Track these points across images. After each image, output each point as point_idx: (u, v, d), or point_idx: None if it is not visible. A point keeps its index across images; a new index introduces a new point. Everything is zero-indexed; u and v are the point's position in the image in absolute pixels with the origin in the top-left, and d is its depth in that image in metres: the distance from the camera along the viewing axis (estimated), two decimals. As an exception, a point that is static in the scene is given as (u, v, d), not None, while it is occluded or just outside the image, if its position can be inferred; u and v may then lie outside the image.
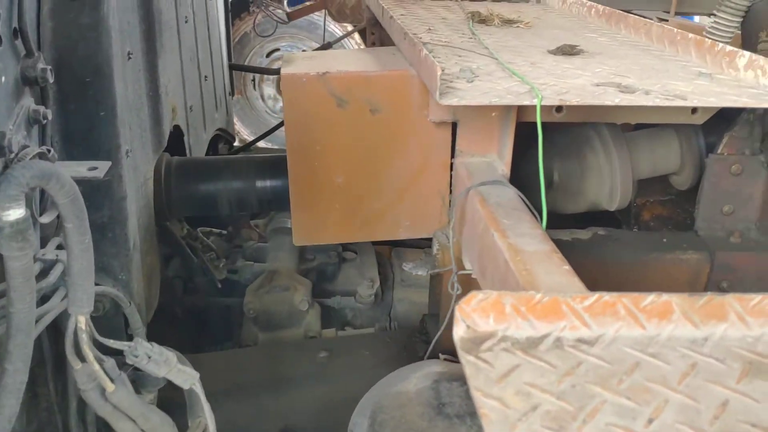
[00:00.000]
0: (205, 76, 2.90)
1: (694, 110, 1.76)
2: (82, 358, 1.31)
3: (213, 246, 2.60)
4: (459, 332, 0.95)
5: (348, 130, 1.90)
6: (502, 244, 1.36)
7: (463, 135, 1.85)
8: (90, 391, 1.34)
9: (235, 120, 4.29)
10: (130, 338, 1.66)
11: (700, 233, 1.96)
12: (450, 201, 1.95)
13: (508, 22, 2.40)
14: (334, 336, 2.40)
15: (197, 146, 2.73)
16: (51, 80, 1.36)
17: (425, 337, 2.09)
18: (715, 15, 2.34)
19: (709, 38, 1.90)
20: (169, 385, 1.47)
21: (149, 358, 1.37)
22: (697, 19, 4.15)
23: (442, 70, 1.43)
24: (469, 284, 1.68)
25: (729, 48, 1.73)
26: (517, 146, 1.81)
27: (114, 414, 1.37)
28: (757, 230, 1.93)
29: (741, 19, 2.28)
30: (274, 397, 1.96)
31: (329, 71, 1.85)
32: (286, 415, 1.90)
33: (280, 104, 6.36)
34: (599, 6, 2.52)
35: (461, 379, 1.51)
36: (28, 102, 1.33)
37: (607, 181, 2.01)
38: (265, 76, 6.35)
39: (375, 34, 3.32)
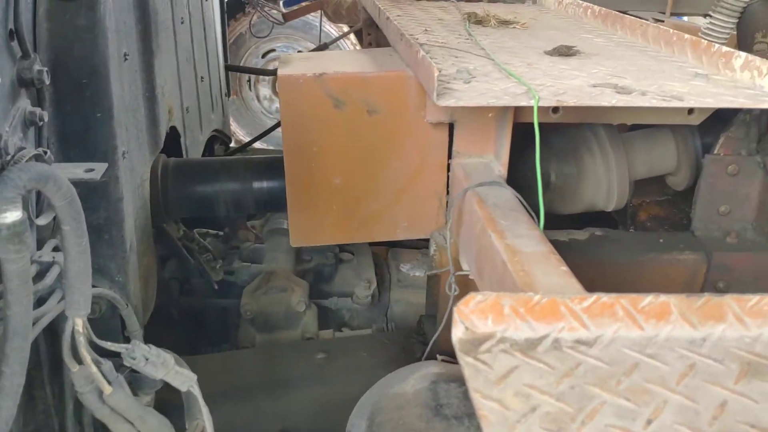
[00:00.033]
0: (202, 77, 2.89)
1: (690, 111, 1.76)
2: (79, 361, 1.31)
3: (209, 247, 2.60)
4: (458, 334, 0.95)
5: (345, 131, 1.90)
6: (499, 245, 1.36)
7: (460, 136, 1.85)
8: (87, 394, 1.34)
9: (231, 121, 4.28)
10: (127, 340, 1.66)
11: (696, 233, 1.96)
12: (447, 202, 1.95)
13: (505, 23, 2.40)
14: (331, 337, 2.40)
15: (194, 147, 2.73)
16: (47, 82, 1.36)
17: (423, 338, 2.09)
18: (710, 16, 2.35)
19: (705, 39, 1.91)
20: (166, 387, 1.47)
21: (147, 360, 1.37)
22: (685, 18, 4.16)
23: (440, 71, 1.43)
24: (466, 285, 1.68)
25: (725, 49, 1.73)
26: (513, 147, 1.81)
27: (111, 416, 1.36)
28: (753, 230, 1.93)
29: (737, 20, 2.29)
30: (271, 398, 1.96)
31: (326, 72, 1.84)
32: (284, 417, 1.90)
33: (276, 105, 6.36)
34: (595, 7, 2.52)
35: (459, 380, 1.51)
36: (25, 104, 1.33)
37: (603, 181, 2.01)
38: (261, 76, 6.35)
39: (371, 34, 3.32)
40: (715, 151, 1.91)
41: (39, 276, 1.27)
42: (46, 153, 1.25)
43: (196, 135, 2.81)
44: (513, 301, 0.97)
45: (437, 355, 1.83)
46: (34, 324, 1.21)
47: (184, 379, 1.41)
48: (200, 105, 2.85)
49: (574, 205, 2.08)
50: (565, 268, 1.28)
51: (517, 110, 1.75)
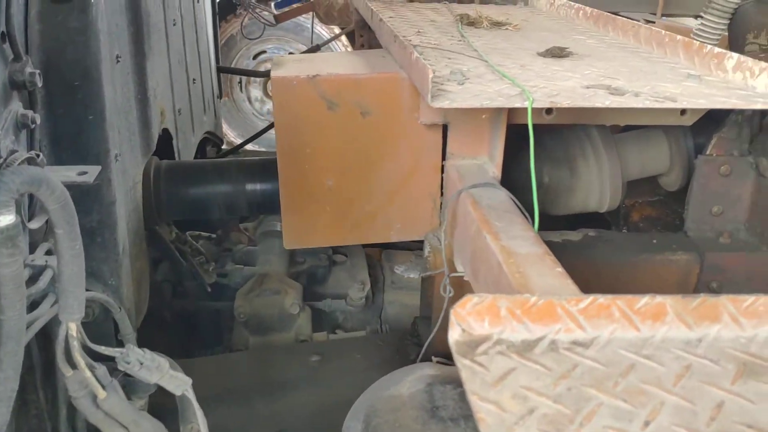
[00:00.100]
0: (194, 79, 2.88)
1: (683, 112, 1.77)
2: (73, 365, 1.30)
3: (202, 250, 2.59)
4: (454, 336, 0.95)
5: (338, 133, 1.89)
6: (494, 246, 1.36)
7: (454, 137, 1.85)
8: (81, 399, 1.33)
9: (222, 122, 4.27)
10: (120, 344, 1.65)
11: (689, 234, 1.97)
12: (441, 203, 1.95)
13: (497, 24, 2.41)
14: (325, 339, 2.39)
15: (186, 149, 2.72)
16: (39, 84, 1.35)
17: (417, 340, 2.08)
18: (702, 17, 2.36)
19: (697, 40, 1.92)
20: (160, 390, 1.46)
21: (141, 364, 1.36)
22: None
23: (434, 73, 1.43)
24: (460, 287, 1.68)
25: (717, 50, 1.74)
26: (507, 148, 1.81)
27: (105, 421, 1.35)
28: (746, 231, 1.94)
29: (728, 21, 2.30)
30: (266, 401, 1.95)
31: (319, 74, 1.84)
32: (279, 420, 1.89)
33: (267, 106, 6.35)
34: (587, 8, 2.53)
35: (455, 382, 1.51)
36: (16, 106, 1.32)
37: (597, 183, 2.02)
38: (252, 78, 6.34)
39: (363, 36, 3.32)
40: (708, 152, 1.92)
41: (32, 280, 1.26)
42: (38, 156, 1.24)
43: (189, 137, 2.80)
44: (509, 303, 0.96)
45: (432, 357, 1.83)
46: (27, 328, 1.20)
47: (178, 383, 1.40)
48: (192, 107, 2.84)
49: (567, 206, 2.08)
50: (560, 269, 1.28)
51: (511, 112, 1.75)
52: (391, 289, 2.64)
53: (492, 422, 0.82)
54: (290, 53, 5.90)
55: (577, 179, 2.03)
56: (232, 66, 6.06)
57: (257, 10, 5.33)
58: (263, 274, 2.49)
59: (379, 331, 2.54)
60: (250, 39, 5.95)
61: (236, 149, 4.01)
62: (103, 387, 1.33)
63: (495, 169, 1.81)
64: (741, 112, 1.89)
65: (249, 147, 4.25)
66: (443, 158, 1.90)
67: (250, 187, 2.23)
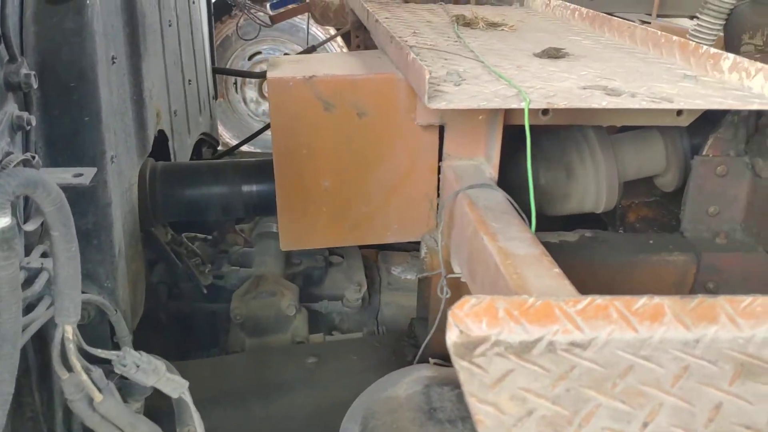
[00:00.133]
0: (189, 80, 2.88)
1: (679, 112, 1.77)
2: (69, 368, 1.29)
3: (198, 251, 2.58)
4: (452, 337, 0.95)
5: (335, 134, 1.89)
6: (492, 247, 1.36)
7: (451, 138, 1.85)
8: (77, 402, 1.32)
9: (218, 123, 4.27)
10: (116, 346, 1.64)
11: (686, 234, 1.97)
12: (438, 204, 1.95)
13: (493, 25, 2.41)
14: (321, 341, 2.39)
15: (182, 151, 2.71)
16: (35, 86, 1.34)
17: (414, 341, 2.08)
18: (697, 17, 2.36)
19: (693, 41, 1.92)
20: (157, 393, 1.46)
21: (138, 367, 1.36)
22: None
23: (430, 74, 1.43)
24: (457, 288, 1.68)
25: (713, 50, 1.74)
26: (503, 149, 1.81)
27: (102, 424, 1.35)
28: (742, 231, 1.95)
29: (724, 22, 2.30)
30: (262, 403, 1.95)
31: (316, 75, 1.84)
32: (276, 422, 1.89)
33: (263, 107, 6.34)
34: (583, 9, 2.53)
35: (452, 384, 1.51)
36: (12, 108, 1.31)
37: (593, 183, 2.02)
38: (247, 79, 6.33)
39: (359, 37, 3.32)
40: (704, 153, 1.92)
41: (27, 282, 1.25)
42: (34, 158, 1.24)
43: (184, 138, 2.80)
44: (507, 304, 0.96)
45: (429, 359, 1.83)
46: (23, 331, 1.19)
47: (175, 385, 1.39)
48: (188, 108, 2.84)
49: (563, 206, 2.08)
50: (557, 270, 1.28)
51: (508, 113, 1.75)
52: (387, 290, 2.63)
53: (490, 424, 0.82)
54: (286, 54, 5.90)
55: (573, 180, 2.03)
56: (228, 67, 6.05)
57: (253, 11, 5.33)
58: (259, 276, 2.48)
59: (375, 332, 2.54)
60: (245, 40, 5.94)
61: (232, 150, 4.00)
62: (100, 390, 1.32)
63: (492, 170, 1.81)
64: (737, 112, 1.90)
65: (244, 148, 4.25)
66: (440, 159, 1.90)
67: (246, 188, 2.23)
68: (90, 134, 1.59)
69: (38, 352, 1.51)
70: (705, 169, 1.93)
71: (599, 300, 0.97)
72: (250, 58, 6.30)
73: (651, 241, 1.99)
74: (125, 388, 1.48)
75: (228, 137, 6.14)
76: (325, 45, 5.17)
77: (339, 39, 5.35)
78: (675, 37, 1.91)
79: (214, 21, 3.92)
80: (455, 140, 1.85)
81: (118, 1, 1.83)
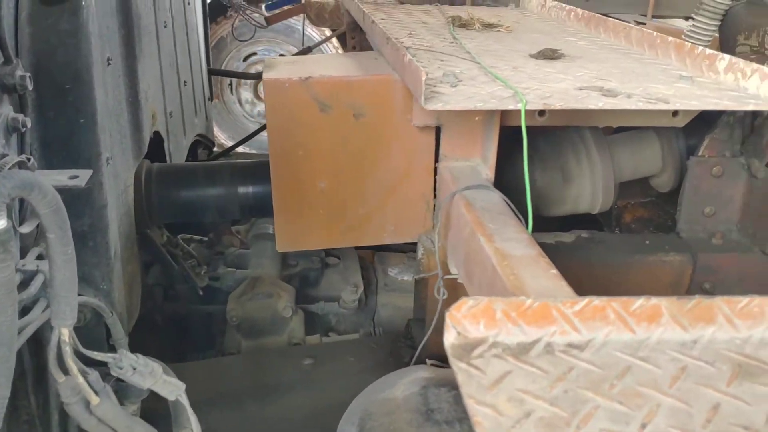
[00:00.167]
0: (185, 82, 2.87)
1: (675, 113, 1.77)
2: (65, 371, 1.29)
3: (194, 253, 2.58)
4: (450, 339, 0.94)
5: (331, 135, 1.89)
6: (489, 248, 1.36)
7: (447, 139, 1.85)
8: (74, 405, 1.32)
9: (213, 125, 4.26)
10: (112, 348, 1.64)
11: (682, 235, 1.98)
12: (434, 205, 1.95)
13: (489, 26, 2.41)
14: (318, 342, 2.38)
15: (177, 152, 2.71)
16: (30, 87, 1.34)
17: (411, 343, 2.08)
18: (693, 18, 2.37)
19: (688, 42, 1.92)
20: (153, 395, 1.45)
21: (134, 369, 1.35)
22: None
23: (427, 75, 1.43)
24: (454, 289, 1.67)
25: (709, 51, 1.74)
26: (499, 150, 1.81)
27: (98, 427, 1.34)
28: (738, 231, 1.95)
29: (719, 23, 2.31)
30: (259, 405, 1.94)
31: (312, 76, 1.84)
32: (272, 424, 1.88)
33: (258, 108, 6.33)
34: (578, 10, 2.53)
35: (449, 385, 1.50)
36: (7, 110, 1.31)
37: (589, 184, 2.02)
38: (242, 80, 6.32)
39: (355, 38, 3.32)
40: (700, 153, 1.93)
41: (23, 285, 1.25)
42: (29, 160, 1.23)
43: (180, 140, 2.79)
44: (505, 306, 0.96)
45: (426, 360, 1.83)
46: (18, 333, 1.19)
47: (172, 388, 1.39)
48: (183, 109, 2.83)
49: (560, 207, 2.09)
50: (554, 271, 1.28)
51: (504, 114, 1.75)
52: (384, 291, 2.63)
53: (489, 426, 0.81)
54: (281, 55, 5.89)
55: (569, 181, 2.03)
56: (223, 68, 6.04)
57: (248, 12, 5.32)
58: (255, 277, 2.48)
59: (372, 333, 2.53)
60: (240, 41, 5.93)
61: (228, 151, 4.00)
62: (96, 393, 1.32)
63: (488, 171, 1.81)
64: (733, 113, 1.90)
65: (240, 149, 4.24)
66: (436, 160, 1.90)
67: (242, 189, 2.22)
68: (85, 136, 1.59)
69: (34, 354, 1.50)
70: (701, 170, 1.93)
71: (596, 301, 0.97)
72: (245, 59, 6.29)
73: (647, 242, 1.99)
74: (121, 390, 1.47)
75: (223, 138, 6.13)
76: (321, 46, 5.17)
77: (334, 40, 5.35)
78: (671, 38, 1.91)
79: (209, 22, 3.92)
80: (452, 141, 1.85)
81: (113, 2, 1.83)
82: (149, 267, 2.53)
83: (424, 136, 1.90)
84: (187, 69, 2.95)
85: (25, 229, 1.24)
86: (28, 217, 1.27)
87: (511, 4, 3.07)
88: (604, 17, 2.34)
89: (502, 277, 1.26)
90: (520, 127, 1.44)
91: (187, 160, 2.97)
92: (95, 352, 1.35)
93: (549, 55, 1.90)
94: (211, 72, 3.66)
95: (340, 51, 5.33)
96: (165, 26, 2.49)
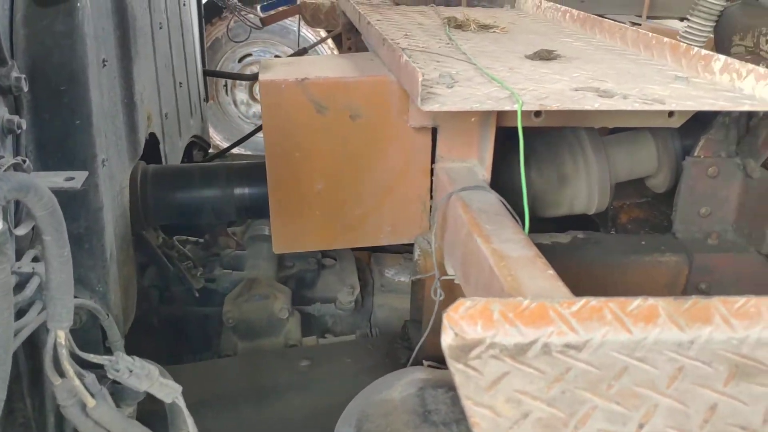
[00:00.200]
0: (180, 83, 2.87)
1: (670, 114, 1.78)
2: (61, 374, 1.28)
3: (190, 254, 2.57)
4: (447, 340, 0.95)
5: (328, 136, 1.89)
6: (486, 249, 1.36)
7: (444, 140, 1.85)
8: (70, 407, 1.31)
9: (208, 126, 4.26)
10: (108, 350, 1.63)
11: (678, 235, 1.98)
12: (431, 206, 1.95)
13: (484, 27, 2.41)
14: (315, 344, 2.38)
15: (173, 154, 2.70)
16: (25, 89, 1.33)
17: (407, 344, 2.08)
18: (688, 19, 2.37)
19: (684, 42, 1.93)
20: (149, 397, 1.45)
21: (131, 372, 1.35)
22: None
23: (423, 76, 1.43)
24: (451, 290, 1.67)
25: (704, 52, 1.75)
26: (495, 151, 1.81)
27: (95, 430, 1.33)
28: (733, 232, 1.96)
29: (714, 23, 2.31)
30: (255, 407, 1.94)
31: (308, 77, 1.83)
32: (269, 426, 1.88)
33: (253, 109, 6.33)
34: (573, 11, 2.54)
35: (446, 386, 1.50)
36: (2, 112, 1.30)
37: (585, 185, 2.02)
38: (237, 81, 6.32)
39: (351, 39, 3.32)
40: (695, 154, 1.93)
41: (19, 287, 1.24)
42: (24, 162, 1.23)
43: (175, 141, 2.78)
44: (502, 307, 0.96)
45: (423, 361, 1.83)
46: (14, 336, 1.18)
47: (168, 390, 1.38)
48: (179, 111, 2.83)
49: (556, 208, 2.09)
50: (551, 272, 1.28)
51: (500, 114, 1.75)
52: (380, 292, 2.63)
53: (486, 427, 0.81)
54: (276, 56, 5.89)
55: (565, 182, 2.03)
56: (218, 69, 6.04)
57: (243, 13, 5.31)
58: (252, 279, 2.48)
59: (369, 335, 2.53)
60: (235, 42, 5.93)
61: (223, 153, 3.99)
62: (92, 395, 1.31)
63: (485, 172, 1.81)
64: (728, 113, 1.91)
65: (235, 150, 4.23)
66: (433, 161, 1.90)
67: (238, 191, 2.22)
68: (81, 138, 1.58)
69: (29, 357, 1.50)
70: (696, 170, 1.93)
71: (594, 302, 0.97)
72: (240, 60, 6.29)
73: (643, 242, 1.99)
74: (118, 393, 1.47)
75: (218, 139, 6.12)
76: (316, 47, 5.17)
77: (330, 41, 5.35)
78: (666, 39, 1.92)
79: (204, 23, 3.91)
80: (448, 142, 1.85)
81: (108, 3, 1.82)
82: (145, 269, 2.52)
83: (421, 137, 1.90)
84: (183, 70, 2.95)
85: (21, 231, 1.23)
86: (24, 219, 1.26)
87: (507, 5, 3.07)
88: (600, 18, 2.34)
89: (500, 278, 1.27)
90: (516, 128, 1.44)
91: (182, 162, 2.97)
92: (91, 355, 1.35)
93: (545, 56, 1.90)
94: (207, 73, 3.66)
95: (336, 52, 5.34)
96: (160, 27, 2.49)
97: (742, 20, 2.20)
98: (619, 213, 2.28)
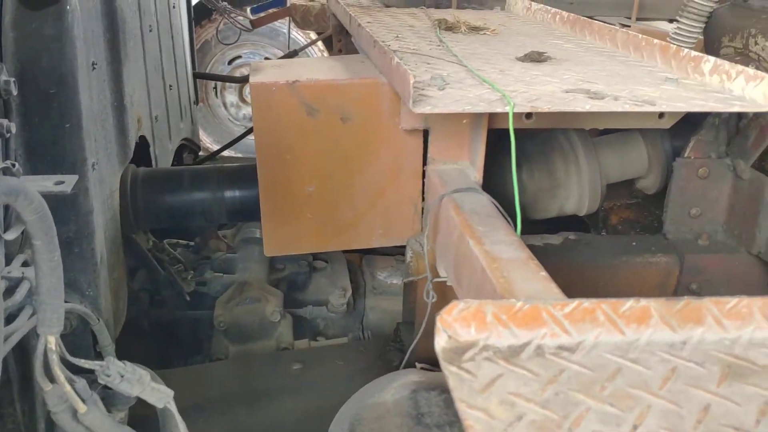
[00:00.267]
0: (170, 86, 2.86)
1: (661, 115, 1.78)
2: (52, 379, 1.27)
3: (180, 258, 2.56)
4: (440, 342, 0.94)
5: (319, 139, 1.89)
6: (478, 251, 1.36)
7: (435, 142, 1.85)
8: (61, 413, 1.30)
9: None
10: (98, 355, 1.62)
11: (668, 236, 1.99)
12: (423, 208, 1.95)
13: (475, 29, 2.41)
14: (307, 347, 2.37)
15: (163, 157, 2.69)
16: (14, 92, 1.33)
17: (400, 346, 2.08)
18: (677, 21, 2.38)
19: (673, 44, 1.93)
20: (140, 402, 1.44)
21: (122, 377, 1.34)
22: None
23: (414, 78, 1.43)
24: (443, 292, 1.67)
25: (694, 53, 1.76)
26: (487, 153, 1.81)
27: (86, 435, 1.33)
28: (724, 232, 1.96)
29: (704, 25, 2.32)
30: (247, 411, 1.93)
31: (299, 80, 1.83)
32: (261, 429, 1.87)
33: (243, 112, 6.31)
34: (564, 13, 2.54)
35: (439, 388, 1.50)
36: (-9, 115, 1.30)
37: (576, 186, 2.03)
38: (227, 83, 6.30)
39: (341, 41, 3.32)
40: (686, 155, 1.94)
41: (8, 292, 1.23)
42: (14, 166, 1.22)
43: (166, 144, 2.77)
44: (495, 309, 0.96)
45: (416, 363, 1.82)
46: (4, 341, 1.17)
47: (160, 395, 1.37)
48: (169, 114, 2.82)
49: (547, 210, 2.09)
50: (544, 273, 1.28)
51: (491, 116, 1.76)
52: (372, 294, 2.63)
53: (480, 429, 0.81)
54: (266, 58, 5.88)
55: (556, 183, 2.04)
56: (208, 71, 6.02)
57: (233, 15, 5.29)
58: (243, 282, 2.47)
59: (361, 337, 2.53)
60: (225, 44, 5.90)
61: (213, 155, 3.98)
62: (83, 401, 1.30)
63: (476, 174, 1.81)
64: (718, 114, 1.91)
65: (226, 153, 4.22)
66: (424, 163, 1.90)
67: (228, 194, 2.21)
68: (70, 141, 1.57)
69: (19, 362, 1.49)
70: (687, 171, 1.94)
71: (586, 303, 0.97)
72: (230, 63, 6.27)
73: (634, 243, 2.00)
74: (109, 398, 1.46)
75: (209, 142, 6.10)
76: (306, 49, 5.16)
77: (320, 43, 5.34)
78: (656, 41, 1.92)
79: (194, 25, 3.90)
80: (439, 144, 1.85)
81: (98, 6, 1.82)
82: (135, 272, 2.51)
83: (412, 139, 1.90)
84: (173, 73, 2.94)
85: (11, 235, 1.22)
86: (13, 223, 1.25)
87: (497, 7, 3.08)
88: (590, 20, 2.35)
89: (492, 279, 1.26)
90: (507, 130, 1.44)
91: (172, 165, 2.95)
92: (82, 360, 1.34)
93: (535, 57, 1.91)
94: (197, 75, 3.65)
95: (326, 54, 5.33)
96: (150, 30, 2.48)
97: (731, 21, 2.21)
98: (609, 214, 2.28)
